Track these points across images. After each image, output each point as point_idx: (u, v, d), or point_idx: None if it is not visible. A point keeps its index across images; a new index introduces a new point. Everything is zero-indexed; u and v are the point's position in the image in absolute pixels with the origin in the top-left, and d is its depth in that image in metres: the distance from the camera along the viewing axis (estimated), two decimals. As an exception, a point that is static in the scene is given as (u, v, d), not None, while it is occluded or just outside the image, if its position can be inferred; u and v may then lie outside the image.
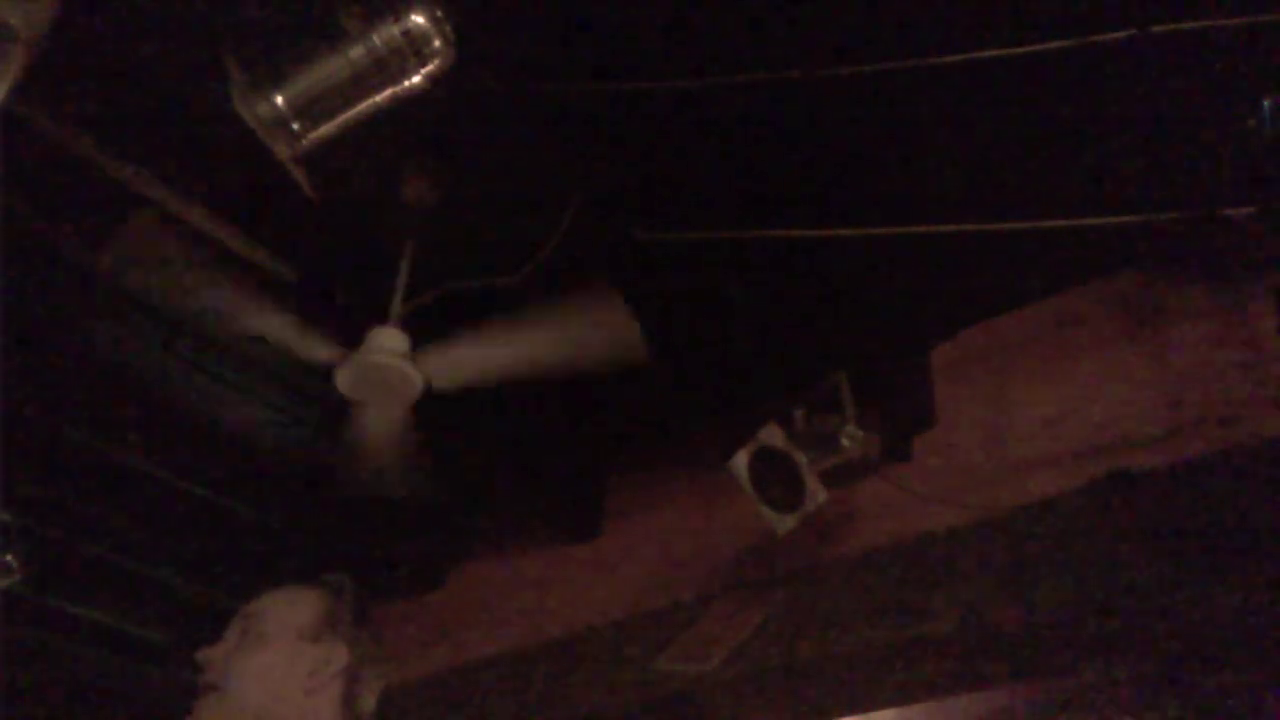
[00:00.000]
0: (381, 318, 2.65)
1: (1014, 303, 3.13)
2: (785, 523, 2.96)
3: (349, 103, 2.29)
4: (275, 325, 2.59)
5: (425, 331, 2.67)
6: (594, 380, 2.86)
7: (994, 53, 2.38)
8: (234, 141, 2.32)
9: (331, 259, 2.98)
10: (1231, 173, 2.48)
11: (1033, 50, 2.35)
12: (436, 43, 2.24)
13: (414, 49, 2.23)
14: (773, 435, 2.96)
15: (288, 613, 1.71)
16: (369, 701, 1.72)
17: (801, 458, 2.93)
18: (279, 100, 2.26)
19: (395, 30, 2.22)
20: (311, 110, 2.28)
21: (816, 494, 2.91)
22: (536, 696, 3.55)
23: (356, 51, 2.23)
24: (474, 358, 2.65)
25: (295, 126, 2.29)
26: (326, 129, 2.32)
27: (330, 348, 2.60)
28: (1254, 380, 2.67)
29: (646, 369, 2.64)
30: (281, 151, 2.32)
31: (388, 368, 2.59)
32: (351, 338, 2.63)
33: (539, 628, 3.73)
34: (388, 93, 2.28)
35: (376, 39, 2.22)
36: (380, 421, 2.76)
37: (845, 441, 2.98)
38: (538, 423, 3.52)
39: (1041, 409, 3.01)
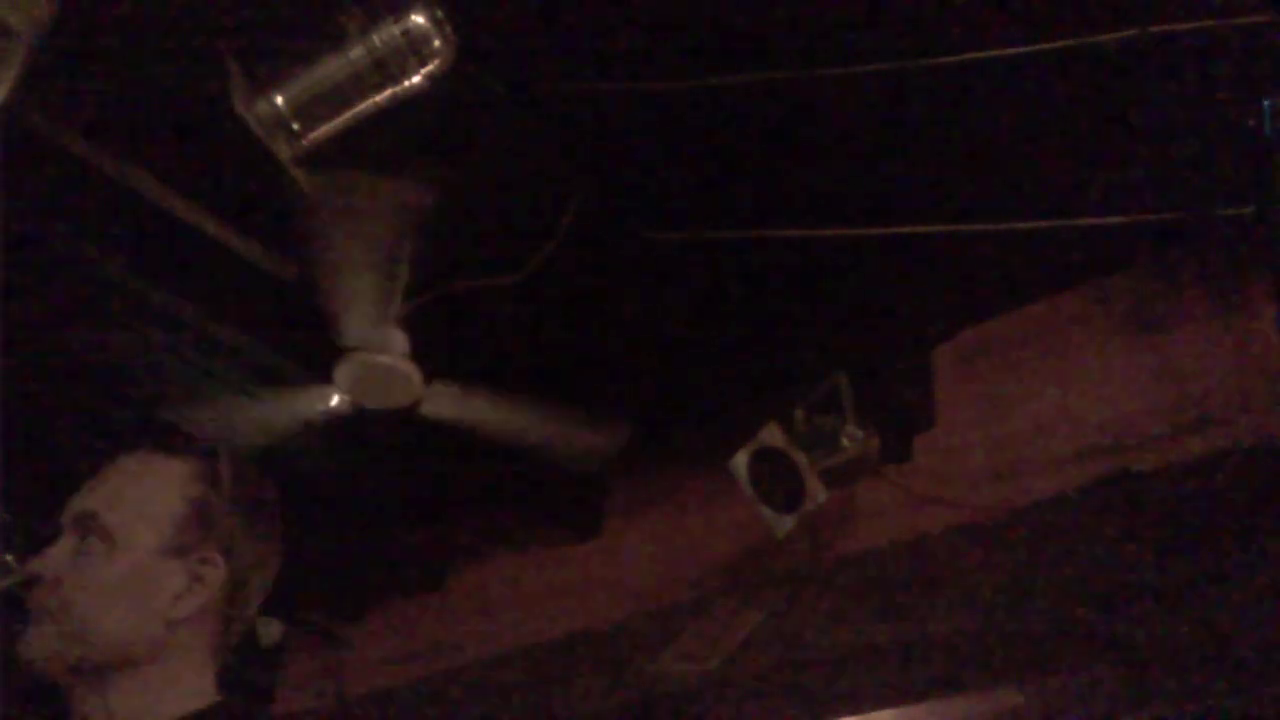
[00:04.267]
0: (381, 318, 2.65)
1: (1014, 303, 3.13)
2: (785, 523, 2.96)
3: (349, 103, 2.29)
4: (266, 412, 2.61)
5: (425, 332, 2.68)
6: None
7: (994, 53, 2.38)
8: (234, 141, 2.32)
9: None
10: (1231, 173, 2.47)
11: (1033, 50, 2.35)
12: (436, 43, 2.24)
13: (414, 49, 2.23)
14: (773, 435, 2.96)
15: (140, 508, 1.27)
16: (251, 611, 1.36)
17: (801, 458, 2.93)
18: (279, 100, 2.26)
19: (395, 30, 2.22)
20: (311, 110, 2.28)
21: (816, 494, 2.91)
22: (536, 697, 3.55)
23: (356, 51, 2.23)
24: (472, 408, 2.71)
25: (295, 126, 2.29)
26: (326, 129, 2.32)
27: (320, 394, 2.63)
28: (1254, 380, 2.67)
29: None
30: (281, 151, 2.32)
31: (388, 367, 2.60)
32: (351, 338, 2.63)
33: (539, 628, 3.73)
34: (388, 93, 2.28)
35: (376, 39, 2.22)
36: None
37: (845, 441, 2.98)
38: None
39: (1042, 409, 3.01)
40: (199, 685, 1.32)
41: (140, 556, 1.27)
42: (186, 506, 1.30)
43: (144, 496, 1.30)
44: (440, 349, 2.81)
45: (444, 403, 2.72)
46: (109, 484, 1.32)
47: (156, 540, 1.28)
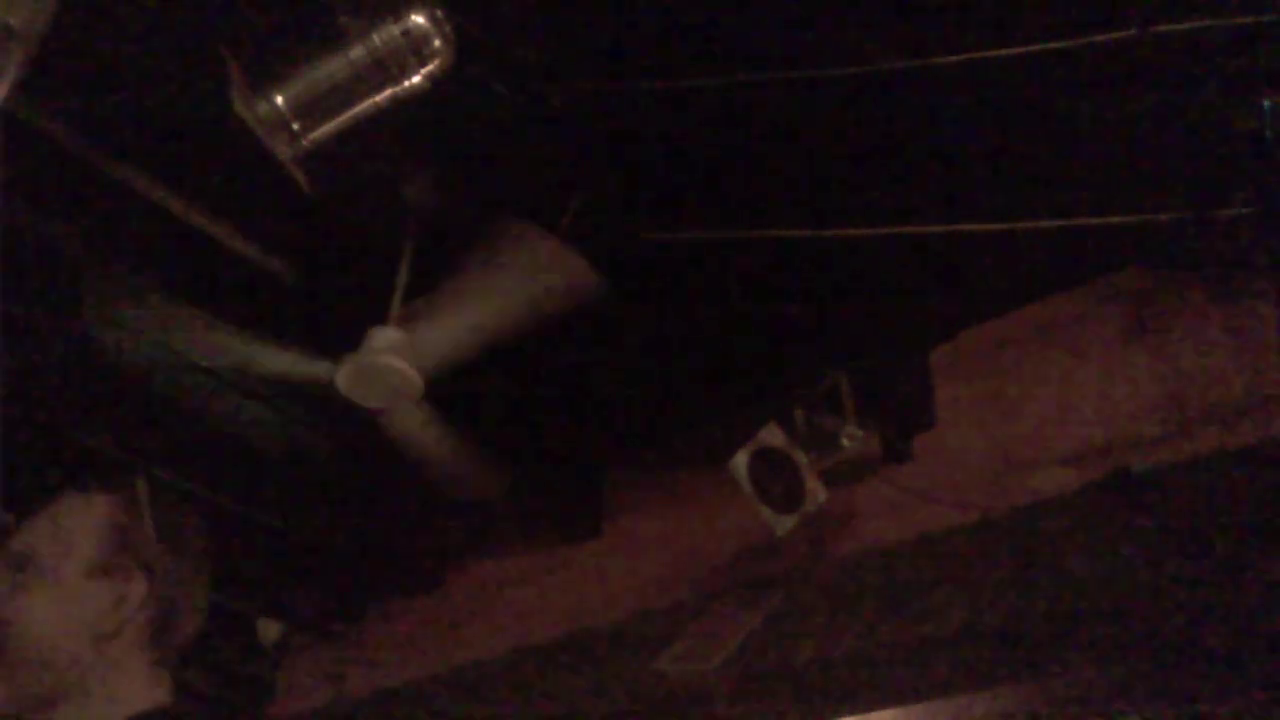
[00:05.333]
0: (381, 318, 2.65)
1: (1014, 303, 3.13)
2: (785, 523, 2.96)
3: (349, 103, 2.30)
4: (266, 359, 2.58)
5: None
6: (588, 369, 2.86)
7: (994, 53, 2.38)
8: (234, 141, 2.32)
9: (331, 259, 2.98)
10: (1231, 173, 2.47)
11: (1033, 50, 2.35)
12: (436, 43, 2.24)
13: (414, 49, 2.23)
14: (773, 435, 2.96)
15: (66, 540, 1.44)
16: (188, 629, 1.49)
17: (801, 458, 2.93)
18: (279, 100, 2.26)
19: (395, 30, 2.22)
20: (311, 110, 2.29)
21: (816, 494, 2.91)
22: (536, 697, 3.54)
23: (356, 51, 2.23)
24: (444, 330, 2.64)
25: (295, 126, 2.29)
26: (326, 129, 2.32)
27: (324, 364, 2.60)
28: (1254, 380, 2.67)
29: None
30: (281, 151, 2.32)
31: (388, 368, 2.59)
32: (351, 338, 2.63)
33: (539, 628, 3.73)
34: (388, 93, 2.28)
35: (376, 39, 2.22)
36: (405, 426, 2.76)
37: (845, 441, 2.98)
38: (537, 422, 3.52)
39: (1041, 409, 3.01)
40: (144, 694, 1.43)
41: (68, 580, 1.42)
42: (108, 533, 1.45)
43: (70, 530, 1.46)
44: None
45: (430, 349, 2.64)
46: (39, 526, 1.47)
47: (82, 566, 1.43)
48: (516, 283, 2.59)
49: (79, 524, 1.45)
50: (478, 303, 2.61)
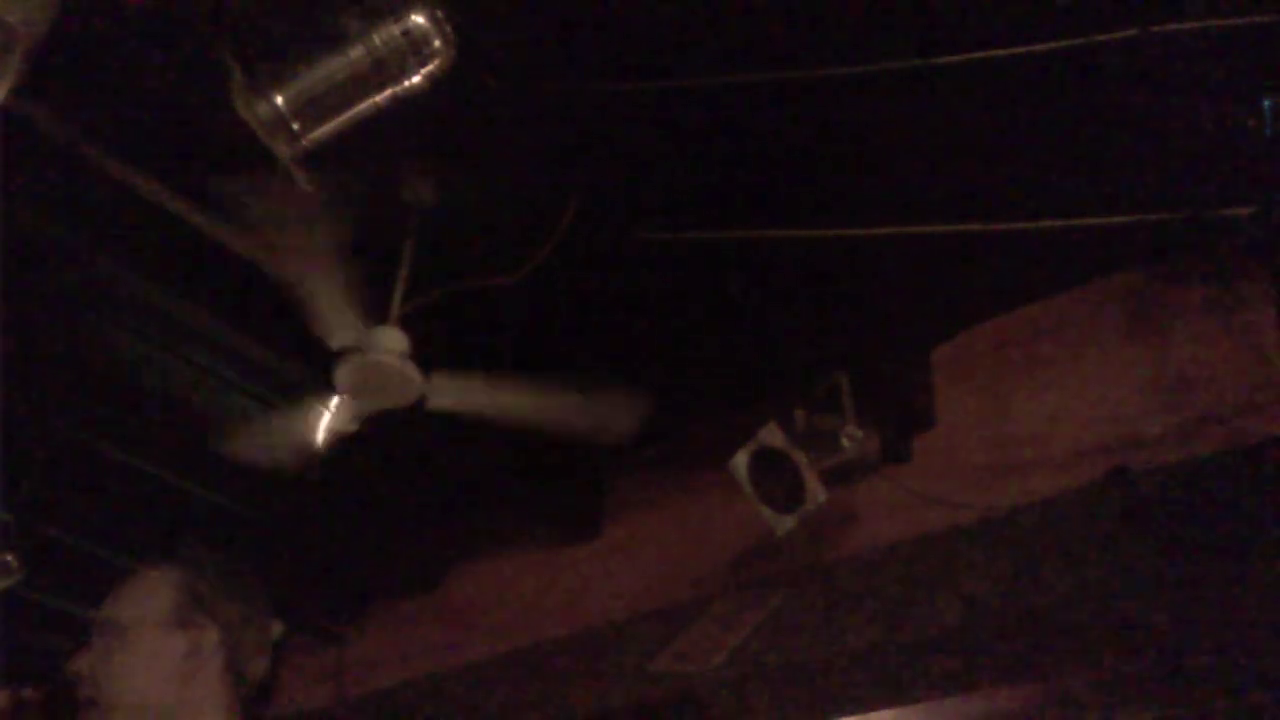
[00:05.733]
0: (381, 318, 2.65)
1: (1014, 303, 3.13)
2: (785, 523, 2.96)
3: (349, 103, 2.29)
4: (323, 288, 2.57)
5: (425, 331, 2.68)
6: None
7: (994, 53, 2.38)
8: (234, 141, 2.32)
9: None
10: (1231, 173, 2.47)
11: (1033, 50, 2.35)
12: (436, 43, 2.23)
13: (414, 49, 2.23)
14: (773, 435, 2.96)
15: (145, 604, 1.67)
16: (259, 666, 1.72)
17: (801, 458, 2.93)
18: (279, 100, 2.26)
19: (395, 30, 2.21)
20: (311, 110, 2.28)
21: (816, 494, 2.91)
22: (536, 696, 3.55)
23: (356, 51, 2.23)
24: (480, 394, 2.70)
25: (295, 126, 2.28)
26: (326, 129, 2.31)
27: (357, 332, 2.60)
28: (1254, 380, 2.67)
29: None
30: (281, 151, 2.31)
31: (388, 367, 2.60)
32: (350, 338, 2.63)
33: (539, 628, 3.73)
34: (388, 93, 2.28)
35: (376, 39, 2.22)
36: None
37: (845, 441, 2.98)
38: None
39: (1041, 409, 3.01)
40: None
41: (149, 638, 1.63)
42: (179, 593, 1.67)
43: (147, 596, 1.67)
44: (440, 349, 2.81)
45: (449, 394, 2.71)
46: (125, 597, 1.69)
47: (160, 624, 1.64)
48: (571, 406, 2.75)
49: (155, 590, 1.67)
50: (526, 398, 2.74)
